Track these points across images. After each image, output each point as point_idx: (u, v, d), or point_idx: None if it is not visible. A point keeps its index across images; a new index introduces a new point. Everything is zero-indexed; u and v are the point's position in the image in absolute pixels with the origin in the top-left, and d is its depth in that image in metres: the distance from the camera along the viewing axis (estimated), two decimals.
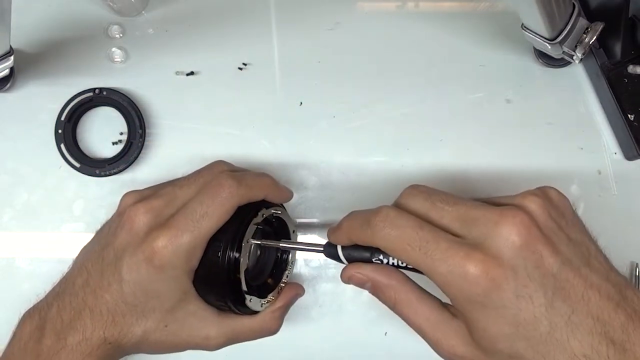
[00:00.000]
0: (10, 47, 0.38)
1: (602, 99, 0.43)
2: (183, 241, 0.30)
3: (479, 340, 0.28)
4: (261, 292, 0.35)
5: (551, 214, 0.28)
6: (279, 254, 0.37)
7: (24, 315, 0.33)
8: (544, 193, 0.30)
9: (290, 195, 0.37)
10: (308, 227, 0.42)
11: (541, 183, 0.42)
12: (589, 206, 0.42)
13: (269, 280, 0.37)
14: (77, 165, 0.41)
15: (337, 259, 0.32)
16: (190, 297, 0.32)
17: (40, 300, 0.33)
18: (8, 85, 0.41)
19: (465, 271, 0.27)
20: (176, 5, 0.45)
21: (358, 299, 0.41)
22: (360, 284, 0.31)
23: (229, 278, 0.32)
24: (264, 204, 0.35)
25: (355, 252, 0.31)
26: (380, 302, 0.40)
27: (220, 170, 0.34)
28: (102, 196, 0.42)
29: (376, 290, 0.31)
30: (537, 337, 0.26)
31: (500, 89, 0.44)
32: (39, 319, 0.32)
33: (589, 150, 0.43)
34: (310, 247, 0.34)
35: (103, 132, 0.43)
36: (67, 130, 0.42)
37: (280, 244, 0.34)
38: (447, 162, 0.42)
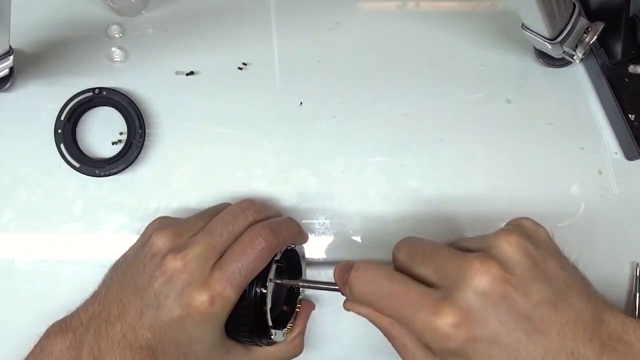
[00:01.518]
0: (10, 46, 0.38)
1: (603, 99, 0.43)
2: (231, 296, 0.31)
3: None
4: (281, 322, 0.36)
5: (527, 250, 0.29)
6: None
7: (54, 328, 0.32)
8: (517, 227, 0.30)
9: (307, 239, 0.39)
10: (308, 228, 0.42)
11: (541, 183, 0.42)
12: (590, 206, 0.42)
13: (285, 308, 0.38)
14: (77, 165, 0.41)
15: None
16: (224, 338, 0.34)
17: (71, 317, 0.33)
18: (8, 85, 0.41)
19: (436, 325, 0.27)
20: (176, 5, 0.45)
21: None
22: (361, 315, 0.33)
23: (256, 317, 0.33)
24: None
25: None
26: None
27: (256, 219, 0.34)
28: (102, 196, 0.42)
29: (376, 325, 0.32)
30: None
31: (500, 89, 0.44)
32: (73, 338, 0.31)
33: (589, 150, 0.43)
34: (329, 287, 0.34)
35: (103, 132, 0.43)
36: (67, 130, 0.41)
37: (300, 284, 0.37)
38: (447, 162, 0.42)
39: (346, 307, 0.33)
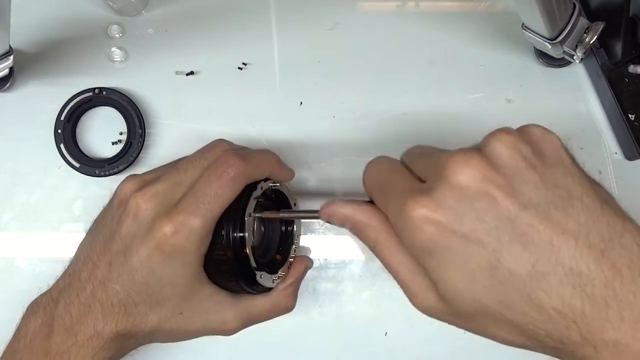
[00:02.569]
0: (10, 46, 0.38)
1: (603, 99, 0.43)
2: (195, 226, 0.30)
3: (442, 293, 0.26)
4: (271, 268, 0.34)
5: (522, 151, 0.25)
6: (283, 228, 0.37)
7: (27, 310, 0.32)
8: (521, 130, 0.27)
9: (292, 174, 0.37)
10: (308, 228, 0.42)
11: None
12: None
13: (277, 256, 0.36)
14: (77, 165, 0.41)
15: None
16: (203, 282, 0.32)
17: (43, 295, 0.33)
18: (8, 85, 0.41)
19: (410, 215, 0.25)
20: (176, 5, 0.45)
21: (358, 298, 0.41)
22: (340, 223, 0.30)
23: (236, 256, 0.31)
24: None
25: None
26: (379, 303, 0.40)
27: (224, 150, 0.33)
28: (102, 196, 0.42)
29: (356, 230, 0.29)
30: (496, 286, 0.24)
31: (500, 89, 0.44)
32: (44, 315, 0.31)
33: (589, 150, 0.43)
34: (310, 214, 0.33)
35: (103, 132, 0.43)
36: (67, 130, 0.41)
37: (280, 214, 0.34)
38: None
39: (326, 211, 0.30)
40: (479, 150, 0.25)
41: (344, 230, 0.41)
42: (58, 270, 0.41)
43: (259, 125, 0.43)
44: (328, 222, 0.30)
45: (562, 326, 0.23)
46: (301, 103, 0.43)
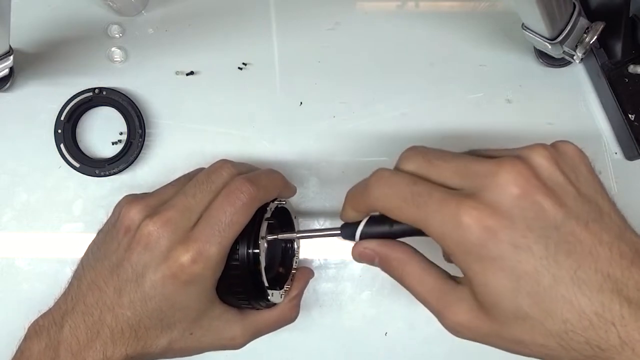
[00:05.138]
0: (10, 46, 0.38)
1: (603, 99, 0.43)
2: (212, 253, 0.30)
3: (481, 299, 0.27)
4: (278, 284, 0.35)
5: (560, 166, 0.27)
6: (284, 244, 0.38)
7: (28, 332, 0.31)
8: (555, 146, 0.28)
9: (295, 191, 0.38)
10: (308, 227, 0.42)
11: None
12: None
13: (280, 269, 0.37)
14: (77, 165, 0.41)
15: (354, 239, 0.32)
16: (214, 303, 0.33)
17: (44, 317, 0.32)
18: (8, 85, 0.41)
19: (459, 220, 0.25)
20: (176, 5, 0.45)
21: (358, 298, 0.41)
22: (370, 260, 0.31)
23: (250, 277, 0.32)
24: None
25: (371, 229, 0.31)
26: (379, 303, 0.40)
27: (231, 174, 0.33)
28: (102, 196, 0.42)
29: (384, 265, 0.30)
30: (540, 293, 0.25)
31: (500, 89, 0.44)
32: (48, 339, 0.30)
33: (589, 150, 0.42)
34: (327, 233, 0.33)
35: (103, 132, 0.43)
36: (67, 130, 0.41)
37: (297, 235, 0.35)
38: None
39: (356, 251, 0.31)
40: (523, 161, 0.26)
41: None
42: (58, 270, 0.41)
43: (259, 125, 0.43)
44: (358, 261, 0.31)
45: (602, 330, 0.24)
46: (301, 103, 0.43)
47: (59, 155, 0.41)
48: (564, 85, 0.44)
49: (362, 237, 0.31)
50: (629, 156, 0.42)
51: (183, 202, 0.32)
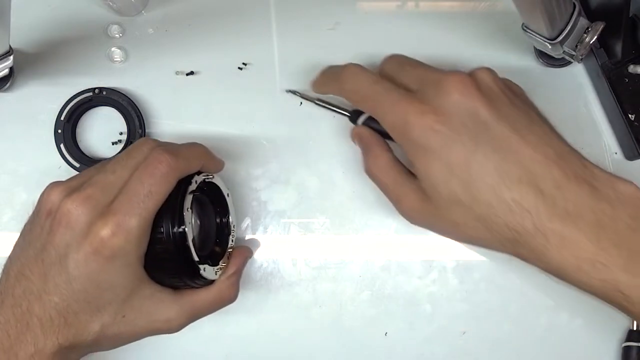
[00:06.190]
0: (10, 46, 0.38)
1: (603, 99, 0.43)
2: (132, 225, 0.29)
3: (425, 187, 0.32)
4: (212, 260, 0.34)
5: (498, 83, 0.32)
6: (218, 220, 0.37)
7: None
8: (502, 77, 0.33)
9: (223, 164, 0.37)
10: (308, 228, 0.42)
11: None
12: None
13: (216, 248, 0.36)
14: (77, 165, 0.41)
15: (357, 123, 0.38)
16: (144, 281, 0.32)
17: None
18: (8, 85, 0.41)
19: (406, 119, 0.31)
20: (176, 5, 0.45)
21: (358, 298, 0.41)
22: (359, 142, 0.37)
23: (178, 252, 0.31)
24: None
25: (370, 122, 0.37)
26: (379, 303, 0.40)
27: (152, 147, 0.32)
28: None
29: (365, 151, 0.36)
30: (469, 180, 0.30)
31: None
32: None
33: (589, 150, 0.43)
34: (339, 110, 0.39)
35: (103, 132, 0.43)
36: (67, 130, 0.41)
37: (316, 101, 0.40)
38: None
39: (354, 131, 0.37)
40: (469, 74, 0.32)
41: (343, 230, 0.42)
42: None
43: (259, 125, 0.43)
44: (353, 140, 0.38)
45: (519, 216, 0.29)
46: (301, 103, 0.43)
47: (59, 155, 0.41)
48: (564, 85, 0.44)
49: (363, 124, 0.37)
50: (629, 156, 0.42)
51: (102, 179, 0.31)
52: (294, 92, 0.41)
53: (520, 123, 0.30)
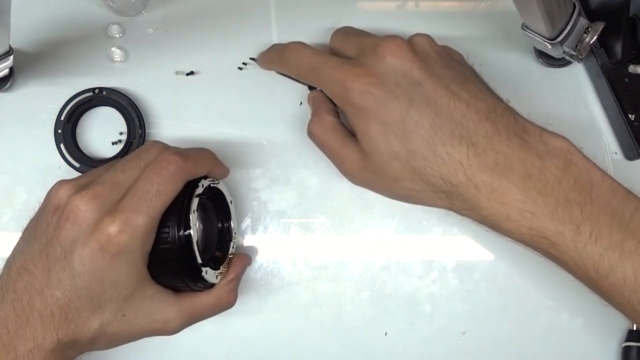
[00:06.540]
0: (10, 46, 0.38)
1: (603, 99, 0.43)
2: (139, 223, 0.30)
3: (365, 147, 0.33)
4: (213, 264, 0.35)
5: (435, 48, 0.34)
6: (220, 225, 0.38)
7: None
8: (442, 44, 0.35)
9: (228, 171, 0.38)
10: (308, 228, 0.42)
11: None
12: None
13: (217, 253, 0.37)
14: (77, 165, 0.41)
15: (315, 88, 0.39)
16: (146, 281, 0.32)
17: None
18: (7, 85, 0.41)
19: (345, 84, 0.33)
20: (176, 5, 0.45)
21: (358, 298, 0.41)
22: (311, 106, 0.39)
23: (182, 252, 0.32)
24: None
25: None
26: (379, 303, 0.40)
27: (160, 149, 0.33)
28: None
29: (314, 112, 0.38)
30: (405, 135, 0.31)
31: (500, 89, 0.43)
32: None
33: (589, 150, 0.42)
34: (297, 80, 0.41)
35: (103, 132, 0.43)
36: (67, 130, 0.41)
37: (281, 72, 0.41)
38: None
39: (310, 95, 0.39)
40: (405, 39, 0.33)
41: (343, 230, 0.42)
42: None
43: (259, 125, 0.43)
44: (309, 102, 0.40)
45: (452, 168, 0.30)
46: (301, 103, 0.43)
47: (59, 155, 0.41)
48: (564, 85, 0.44)
49: (319, 90, 0.38)
50: (629, 156, 0.42)
51: (112, 177, 0.32)
52: (254, 60, 0.42)
53: (453, 82, 0.32)
